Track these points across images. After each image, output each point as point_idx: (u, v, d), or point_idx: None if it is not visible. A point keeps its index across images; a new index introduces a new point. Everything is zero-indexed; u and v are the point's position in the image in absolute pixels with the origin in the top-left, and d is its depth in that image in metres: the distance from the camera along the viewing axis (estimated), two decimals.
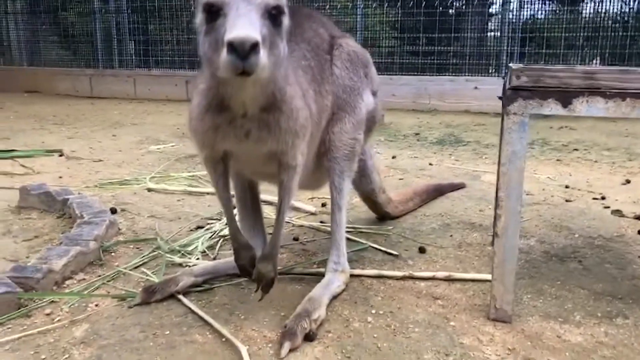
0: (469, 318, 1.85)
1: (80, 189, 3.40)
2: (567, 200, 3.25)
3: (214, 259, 2.36)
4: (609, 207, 3.08)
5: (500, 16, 8.39)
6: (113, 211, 2.88)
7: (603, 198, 3.29)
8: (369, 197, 2.75)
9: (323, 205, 3.10)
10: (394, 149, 5.02)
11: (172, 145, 5.12)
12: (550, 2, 8.78)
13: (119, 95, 9.58)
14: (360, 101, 2.11)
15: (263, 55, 1.39)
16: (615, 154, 4.71)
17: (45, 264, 2.04)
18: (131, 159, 4.51)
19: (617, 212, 2.96)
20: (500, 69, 8.03)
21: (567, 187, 3.58)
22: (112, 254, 2.40)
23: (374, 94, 2.24)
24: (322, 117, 2.00)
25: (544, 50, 8.17)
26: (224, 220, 2.53)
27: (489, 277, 1.88)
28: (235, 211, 2.22)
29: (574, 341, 1.71)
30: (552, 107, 1.65)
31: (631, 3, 8.01)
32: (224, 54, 1.37)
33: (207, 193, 3.34)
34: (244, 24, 1.35)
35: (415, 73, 8.34)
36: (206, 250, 2.46)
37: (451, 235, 2.66)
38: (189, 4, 9.31)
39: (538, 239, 2.61)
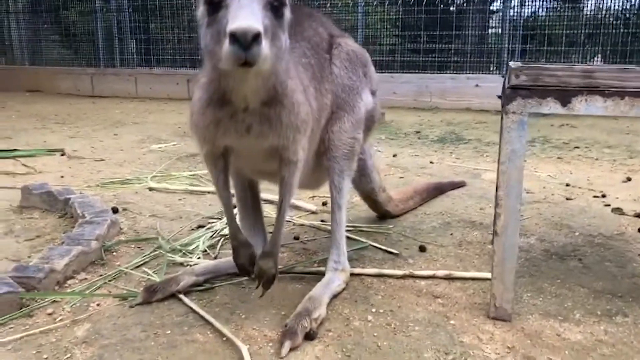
0: (469, 316, 1.86)
1: (81, 189, 3.41)
2: (567, 199, 3.25)
3: (215, 258, 2.37)
4: (609, 205, 3.08)
5: (501, 13, 8.38)
6: (114, 210, 2.89)
7: (604, 196, 3.29)
8: (369, 196, 2.76)
9: (324, 204, 3.10)
10: (394, 147, 5.03)
11: (174, 144, 5.13)
12: None
13: (121, 94, 9.60)
14: (359, 100, 2.12)
15: (265, 46, 1.39)
16: (616, 152, 4.71)
17: (47, 264, 2.05)
18: (132, 158, 4.52)
19: (618, 210, 2.96)
20: (502, 66, 8.02)
21: (567, 185, 3.58)
22: (114, 253, 2.41)
23: (373, 93, 2.24)
24: (322, 115, 2.01)
25: (545, 48, 8.16)
26: (225, 219, 2.54)
27: (489, 275, 1.88)
28: (235, 210, 2.22)
29: (574, 339, 1.71)
30: (551, 106, 1.65)
31: (633, 0, 7.99)
32: (226, 44, 1.37)
33: (208, 192, 3.34)
34: (246, 14, 1.36)
35: (417, 71, 8.34)
36: (207, 249, 2.47)
37: (451, 234, 2.66)
38: (190, 3, 9.31)
39: (538, 237, 2.61)
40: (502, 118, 1.72)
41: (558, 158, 4.49)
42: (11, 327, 1.78)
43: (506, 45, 8.08)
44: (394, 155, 4.60)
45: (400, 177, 3.85)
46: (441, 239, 2.60)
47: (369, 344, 1.68)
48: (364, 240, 2.53)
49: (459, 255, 2.41)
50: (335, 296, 1.98)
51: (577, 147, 4.94)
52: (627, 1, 7.97)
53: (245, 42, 1.34)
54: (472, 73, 8.12)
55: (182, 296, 1.98)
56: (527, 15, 8.40)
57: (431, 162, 4.34)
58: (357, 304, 1.95)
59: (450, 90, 7.87)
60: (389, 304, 1.94)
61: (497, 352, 1.64)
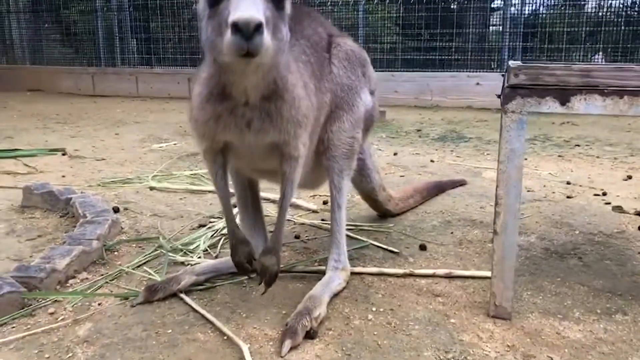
0: (469, 315, 1.86)
1: (83, 188, 3.42)
2: (568, 197, 3.26)
3: (216, 257, 2.37)
4: (609, 203, 3.08)
5: (502, 11, 8.37)
6: (115, 210, 2.90)
7: (604, 194, 3.29)
8: (369, 196, 2.76)
9: (324, 203, 3.11)
10: (395, 145, 5.03)
11: (175, 144, 5.14)
12: None
13: (122, 94, 9.61)
14: (358, 100, 2.12)
15: (267, 36, 1.40)
16: (618, 150, 4.71)
17: (49, 264, 2.06)
18: (134, 157, 4.53)
19: (618, 208, 2.96)
20: (503, 64, 8.01)
21: (568, 183, 3.58)
22: (115, 253, 2.42)
23: (372, 93, 2.24)
24: (321, 114, 2.01)
25: (546, 45, 8.15)
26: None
27: (489, 274, 1.89)
28: (235, 210, 2.23)
29: (573, 337, 1.72)
30: (550, 105, 1.65)
31: None
32: (227, 35, 1.38)
33: (209, 191, 3.35)
34: (247, 5, 1.36)
35: (418, 69, 8.34)
36: (208, 248, 2.48)
37: (452, 233, 2.67)
38: (190, 1, 9.32)
39: (538, 235, 2.61)
40: (502, 117, 1.72)
41: (559, 156, 4.49)
42: (13, 327, 1.79)
43: (507, 43, 8.08)
44: (395, 154, 4.60)
45: (401, 176, 3.85)
46: (441, 237, 2.60)
47: (369, 343, 1.69)
48: (365, 239, 2.53)
49: (459, 254, 2.41)
50: (335, 295, 1.98)
51: (578, 145, 4.94)
52: None
53: (248, 32, 1.35)
54: (473, 71, 8.11)
55: (183, 295, 1.98)
56: (528, 13, 8.40)
57: (432, 161, 4.34)
58: (357, 302, 1.95)
59: (451, 89, 7.87)
60: (389, 303, 1.95)
61: (497, 351, 1.65)
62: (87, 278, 2.16)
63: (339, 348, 1.66)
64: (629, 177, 3.71)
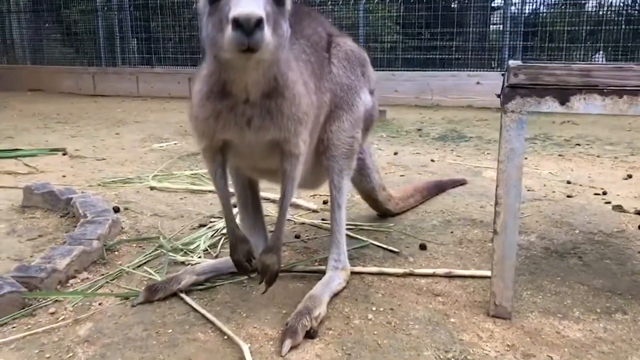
0: (469, 314, 1.86)
1: (83, 188, 3.42)
2: (568, 196, 3.26)
3: (216, 257, 2.38)
4: (610, 203, 3.08)
5: (502, 10, 8.37)
6: (116, 210, 2.90)
7: (604, 193, 3.29)
8: (369, 196, 2.76)
9: (325, 202, 3.11)
10: (396, 145, 5.03)
11: (175, 143, 5.14)
12: None
13: (122, 93, 9.62)
14: (357, 100, 2.12)
15: (267, 32, 1.40)
16: (618, 149, 4.71)
17: (49, 264, 2.06)
18: (134, 157, 4.54)
19: (618, 208, 2.96)
20: (503, 63, 8.01)
21: (568, 182, 3.58)
22: (115, 252, 2.42)
23: (372, 92, 2.24)
24: (321, 113, 2.01)
25: (546, 45, 8.15)
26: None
27: (488, 273, 1.89)
28: (235, 210, 2.23)
29: (573, 337, 1.72)
30: (550, 105, 1.65)
31: None
32: (228, 31, 1.39)
33: (210, 191, 3.35)
34: (248, 0, 1.37)
35: (418, 68, 8.34)
36: (208, 248, 2.48)
37: (452, 232, 2.67)
38: (191, 1, 9.32)
39: (538, 235, 2.62)
40: (501, 116, 1.73)
41: (559, 155, 4.49)
42: (14, 327, 1.79)
43: (508, 42, 8.07)
44: (395, 154, 4.61)
45: (401, 175, 3.85)
46: (442, 237, 2.60)
47: (369, 342, 1.69)
48: (365, 239, 2.54)
49: (459, 253, 2.41)
50: (335, 295, 1.98)
51: (578, 144, 4.94)
52: None
53: (248, 27, 1.36)
54: (474, 70, 8.11)
55: (183, 295, 1.99)
56: (529, 12, 8.39)
57: (432, 160, 4.34)
58: (357, 302, 1.95)
59: (451, 88, 7.87)
60: (389, 302, 1.95)
61: (497, 350, 1.65)
62: (87, 278, 2.16)
63: (339, 347, 1.66)
64: (629, 177, 3.71)
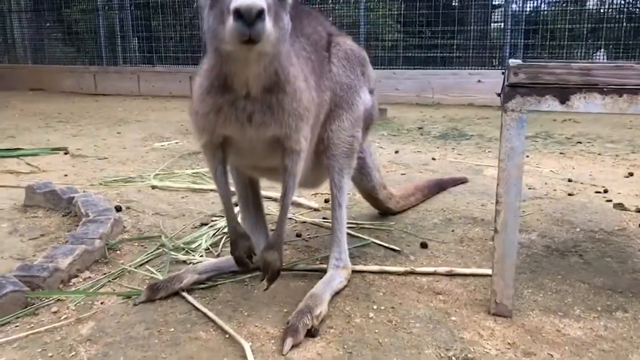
0: (470, 313, 1.87)
1: (85, 187, 3.43)
2: (569, 194, 3.26)
3: (218, 256, 2.38)
4: (611, 201, 3.08)
5: (503, 8, 8.36)
6: (118, 209, 2.91)
7: (605, 191, 3.29)
8: (370, 194, 2.77)
9: (326, 201, 3.11)
10: (397, 143, 5.03)
11: (176, 142, 5.15)
12: None
13: (123, 92, 9.63)
14: (357, 99, 2.12)
15: (269, 23, 1.41)
16: (619, 147, 4.70)
17: (52, 263, 2.07)
18: (135, 156, 4.54)
19: (619, 206, 2.96)
20: (504, 61, 8.00)
21: (569, 180, 3.58)
22: (117, 251, 2.43)
23: (371, 92, 2.24)
24: (321, 111, 2.01)
25: (548, 43, 8.14)
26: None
27: (489, 272, 1.89)
28: (236, 209, 2.24)
29: (574, 335, 1.72)
30: (550, 104, 1.66)
31: None
32: (230, 22, 1.39)
33: (211, 190, 3.36)
34: None
35: (419, 67, 8.34)
36: (210, 247, 2.49)
37: (453, 230, 2.67)
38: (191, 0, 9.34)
39: (539, 233, 2.62)
40: (502, 115, 1.73)
41: (560, 153, 4.49)
42: (16, 326, 1.80)
43: (509, 41, 8.06)
44: (396, 152, 4.61)
45: (402, 174, 3.86)
46: (442, 235, 2.61)
47: (370, 341, 1.70)
48: (366, 237, 2.54)
49: (460, 251, 2.42)
50: (336, 293, 1.99)
51: (579, 142, 4.94)
52: None
53: (250, 18, 1.36)
54: (475, 68, 8.11)
55: (185, 294, 1.99)
56: (530, 10, 8.38)
57: (433, 159, 4.35)
58: (358, 300, 1.96)
59: (452, 86, 7.87)
60: (390, 301, 1.95)
61: (498, 348, 1.65)
62: (89, 277, 2.17)
63: (340, 346, 1.67)
64: (631, 175, 3.71)
